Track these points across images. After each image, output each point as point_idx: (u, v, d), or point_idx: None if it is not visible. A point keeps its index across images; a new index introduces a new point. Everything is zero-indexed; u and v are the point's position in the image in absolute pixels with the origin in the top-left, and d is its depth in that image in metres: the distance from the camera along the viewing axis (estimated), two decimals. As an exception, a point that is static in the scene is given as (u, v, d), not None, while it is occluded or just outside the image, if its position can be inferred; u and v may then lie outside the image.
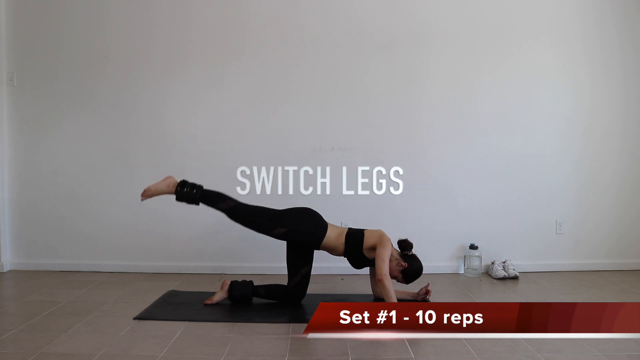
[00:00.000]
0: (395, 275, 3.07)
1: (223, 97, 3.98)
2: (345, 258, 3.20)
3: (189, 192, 3.04)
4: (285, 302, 3.18)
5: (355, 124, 3.98)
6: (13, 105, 4.02)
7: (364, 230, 3.16)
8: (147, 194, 3.08)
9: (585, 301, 3.21)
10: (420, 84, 3.99)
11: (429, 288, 3.24)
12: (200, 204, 3.10)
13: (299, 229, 3.10)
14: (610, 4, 4.03)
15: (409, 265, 3.05)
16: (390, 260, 3.02)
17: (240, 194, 3.94)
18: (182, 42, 3.97)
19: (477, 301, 3.28)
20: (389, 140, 3.98)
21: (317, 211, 3.22)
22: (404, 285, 3.22)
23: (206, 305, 3.14)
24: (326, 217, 3.23)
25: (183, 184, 3.07)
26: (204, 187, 3.10)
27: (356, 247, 3.10)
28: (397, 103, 3.98)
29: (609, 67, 4.04)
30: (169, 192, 3.08)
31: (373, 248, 3.05)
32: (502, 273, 3.83)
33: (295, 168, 3.96)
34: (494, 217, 4.02)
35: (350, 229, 3.17)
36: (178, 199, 3.08)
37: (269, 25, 3.96)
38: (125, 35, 3.98)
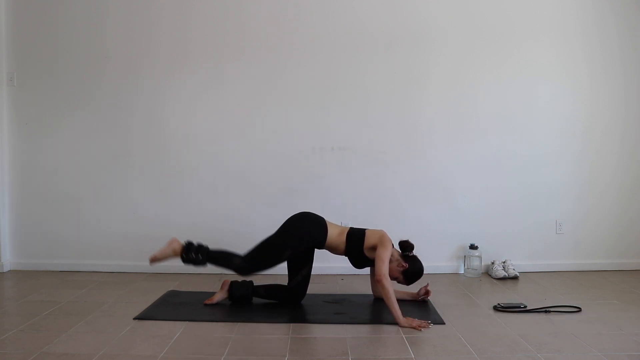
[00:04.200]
0: (396, 277, 3.06)
1: (223, 97, 3.98)
2: (346, 257, 3.19)
3: (194, 257, 3.03)
4: (286, 302, 3.18)
5: (355, 124, 3.98)
6: (13, 105, 4.02)
7: (365, 229, 3.15)
8: (154, 260, 3.05)
9: (585, 301, 3.23)
10: (420, 84, 3.99)
11: (429, 288, 3.24)
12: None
13: (301, 241, 3.08)
14: (610, 4, 4.03)
15: (409, 266, 3.04)
16: (391, 261, 3.02)
17: (241, 195, 3.96)
18: (182, 42, 3.97)
19: (477, 301, 3.28)
20: (389, 140, 3.98)
21: (316, 212, 3.22)
22: (404, 285, 3.22)
23: (206, 305, 3.14)
24: (327, 217, 3.23)
25: (188, 248, 3.04)
26: (209, 248, 3.08)
27: (357, 247, 3.09)
28: (397, 103, 3.98)
29: (609, 67, 4.04)
30: (176, 256, 3.06)
31: (374, 248, 3.04)
32: (502, 273, 3.83)
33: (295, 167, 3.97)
34: (494, 217, 4.02)
35: (351, 228, 3.17)
36: (185, 263, 3.06)
37: (269, 25, 3.96)
38: (125, 35, 3.98)
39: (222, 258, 3.07)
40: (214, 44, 3.97)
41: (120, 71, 3.98)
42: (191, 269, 3.94)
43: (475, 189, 4.02)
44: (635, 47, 4.05)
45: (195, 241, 3.11)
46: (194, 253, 3.03)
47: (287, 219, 3.17)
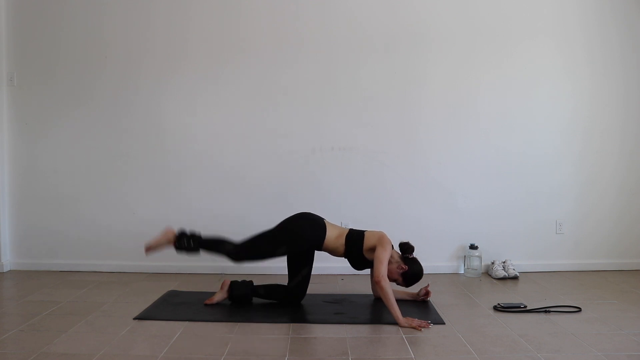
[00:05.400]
0: (395, 278, 3.06)
1: (222, 97, 3.98)
2: (346, 259, 3.19)
3: (186, 246, 3.10)
4: (285, 302, 3.18)
5: (355, 124, 3.98)
6: (13, 105, 4.02)
7: (364, 231, 3.15)
8: (149, 249, 3.15)
9: (585, 301, 3.23)
10: (419, 84, 3.99)
11: (429, 289, 3.24)
12: (202, 251, 3.14)
13: (298, 239, 3.10)
14: (611, 4, 4.03)
15: (409, 268, 3.04)
16: (391, 263, 3.01)
17: (241, 195, 3.97)
18: (180, 42, 3.97)
19: (477, 301, 3.28)
20: (389, 140, 3.98)
21: (315, 212, 3.23)
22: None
23: (206, 305, 3.14)
24: (326, 218, 3.23)
25: (180, 236, 3.11)
26: (202, 236, 3.13)
27: (356, 248, 3.09)
28: (396, 103, 3.98)
29: (609, 67, 4.04)
30: (170, 245, 3.13)
31: (373, 249, 3.04)
32: (502, 273, 3.83)
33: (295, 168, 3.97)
34: (494, 217, 4.02)
35: (351, 230, 3.17)
36: (178, 251, 3.13)
37: (268, 24, 3.96)
38: (123, 35, 3.98)
39: (214, 244, 3.12)
40: (213, 44, 3.97)
41: (119, 71, 3.98)
42: (191, 269, 3.96)
43: (475, 188, 4.02)
44: (635, 47, 4.04)
45: (188, 230, 3.16)
46: (186, 241, 3.09)
47: (288, 217, 3.18)
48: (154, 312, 3.00)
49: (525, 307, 3.09)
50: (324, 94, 3.97)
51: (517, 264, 3.97)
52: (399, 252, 3.13)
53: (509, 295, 3.43)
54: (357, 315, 2.98)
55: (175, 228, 3.18)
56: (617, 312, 3.04)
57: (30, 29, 3.99)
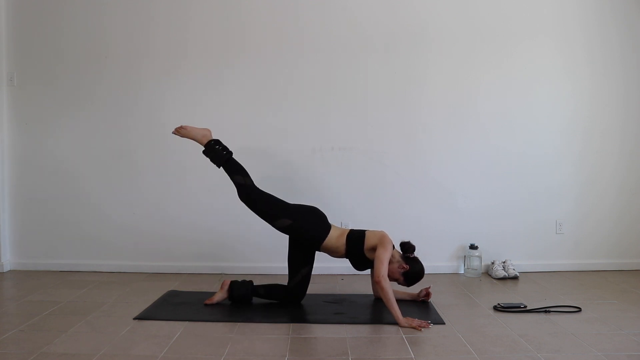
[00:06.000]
0: (396, 278, 3.06)
1: (223, 97, 3.98)
2: (347, 259, 3.19)
3: (217, 151, 3.19)
4: (285, 302, 3.18)
5: (355, 124, 3.98)
6: (13, 105, 4.02)
7: (365, 230, 3.15)
8: (180, 132, 3.25)
9: (585, 301, 3.23)
10: (419, 83, 3.99)
11: (430, 290, 3.23)
12: (221, 168, 3.24)
13: (303, 224, 3.11)
14: (611, 4, 4.03)
15: (410, 267, 3.04)
16: (392, 262, 3.01)
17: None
18: (182, 42, 3.97)
19: (477, 301, 3.28)
20: (389, 140, 3.98)
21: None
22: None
23: (206, 305, 3.14)
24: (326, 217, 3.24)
25: (217, 142, 3.22)
26: (233, 156, 3.23)
27: (357, 248, 3.09)
28: (397, 103, 3.98)
29: (609, 67, 4.04)
30: (200, 143, 3.23)
31: (374, 249, 3.04)
32: (502, 273, 3.83)
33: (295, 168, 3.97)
34: (494, 217, 4.02)
35: (352, 230, 3.17)
36: (205, 152, 3.23)
37: (269, 24, 3.96)
38: (124, 34, 3.98)
39: (238, 170, 3.20)
40: (214, 43, 3.97)
41: (120, 71, 3.98)
42: (191, 269, 3.96)
43: (475, 188, 4.02)
44: (635, 47, 4.04)
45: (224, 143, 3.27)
46: (220, 148, 3.20)
47: (305, 204, 3.25)
48: (154, 312, 3.00)
49: (525, 307, 3.09)
50: (324, 94, 3.97)
51: (517, 264, 3.97)
52: (400, 251, 3.13)
53: (509, 295, 3.43)
54: (357, 315, 2.98)
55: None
56: (617, 312, 3.04)
57: (30, 29, 3.99)
